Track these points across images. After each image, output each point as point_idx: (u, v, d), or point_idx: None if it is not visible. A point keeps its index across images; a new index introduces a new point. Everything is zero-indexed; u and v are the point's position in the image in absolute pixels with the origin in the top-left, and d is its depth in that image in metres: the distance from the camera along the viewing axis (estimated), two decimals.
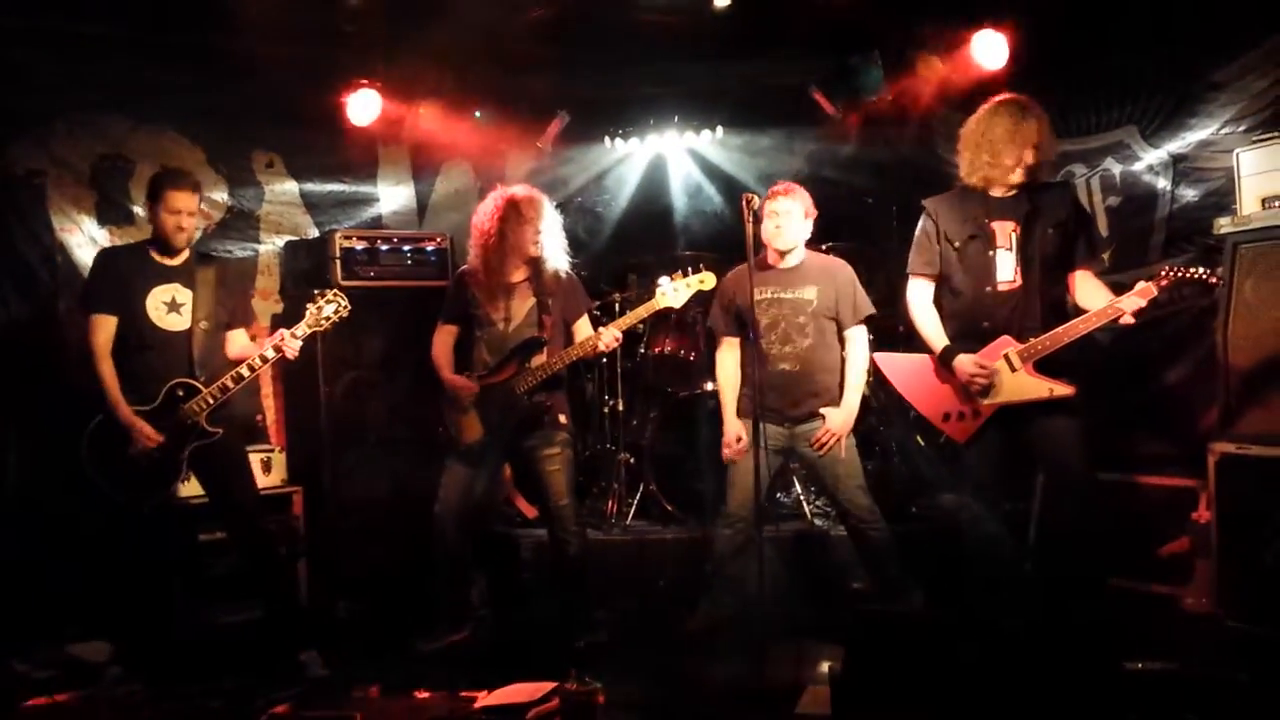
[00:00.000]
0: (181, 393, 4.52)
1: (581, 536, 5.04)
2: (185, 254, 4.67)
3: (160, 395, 4.50)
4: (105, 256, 4.73)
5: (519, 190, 5.00)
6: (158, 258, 4.62)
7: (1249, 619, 4.45)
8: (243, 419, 4.92)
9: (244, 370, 4.55)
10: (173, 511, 4.72)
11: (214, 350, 4.66)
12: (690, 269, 4.85)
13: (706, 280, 4.84)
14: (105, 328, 4.53)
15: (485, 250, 4.93)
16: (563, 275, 5.01)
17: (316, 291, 4.76)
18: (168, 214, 4.53)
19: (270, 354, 4.57)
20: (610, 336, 4.80)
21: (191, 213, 4.58)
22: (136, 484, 4.47)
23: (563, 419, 4.97)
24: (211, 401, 4.52)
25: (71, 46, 5.47)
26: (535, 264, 4.94)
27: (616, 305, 6.30)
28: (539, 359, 4.87)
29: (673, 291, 4.82)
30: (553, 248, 4.96)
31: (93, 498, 4.48)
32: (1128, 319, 4.13)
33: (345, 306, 4.70)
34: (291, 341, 4.59)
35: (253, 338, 4.94)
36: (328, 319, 4.66)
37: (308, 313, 4.65)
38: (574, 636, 4.91)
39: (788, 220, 4.82)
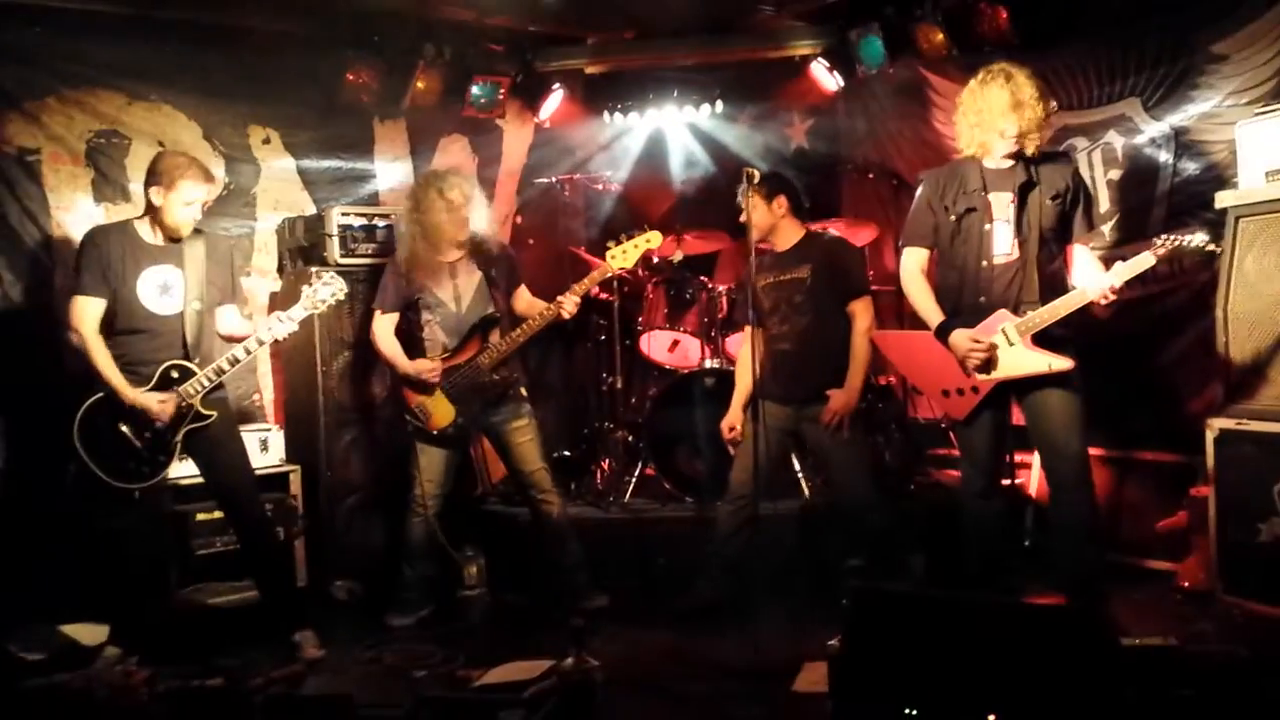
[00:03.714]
0: (176, 374, 4.46)
1: (561, 497, 5.19)
2: None
3: (155, 377, 4.44)
4: (92, 236, 4.57)
5: (441, 177, 5.07)
6: (147, 237, 4.53)
7: (1246, 594, 4.45)
8: (236, 400, 4.85)
9: (239, 353, 4.50)
10: (164, 491, 4.71)
11: (206, 331, 4.61)
12: (637, 230, 5.02)
13: (653, 239, 5.04)
14: (91, 310, 4.43)
15: (417, 237, 5.02)
16: (497, 249, 5.16)
17: (314, 271, 4.72)
18: (183, 205, 4.44)
19: (265, 337, 4.53)
20: (571, 304, 4.89)
21: (205, 203, 4.51)
22: (128, 466, 4.41)
23: (523, 391, 5.14)
24: (206, 384, 4.46)
25: (64, 22, 5.42)
26: (470, 243, 5.06)
27: (615, 282, 6.29)
28: (496, 334, 4.99)
29: (621, 254, 4.97)
30: (481, 223, 5.08)
31: (89, 480, 4.45)
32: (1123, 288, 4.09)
33: (342, 289, 4.67)
34: (287, 324, 4.54)
35: (248, 316, 4.90)
36: (323, 301, 4.62)
37: (303, 294, 4.62)
38: (573, 600, 5.01)
39: (749, 214, 4.81)
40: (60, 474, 4.50)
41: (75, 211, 5.59)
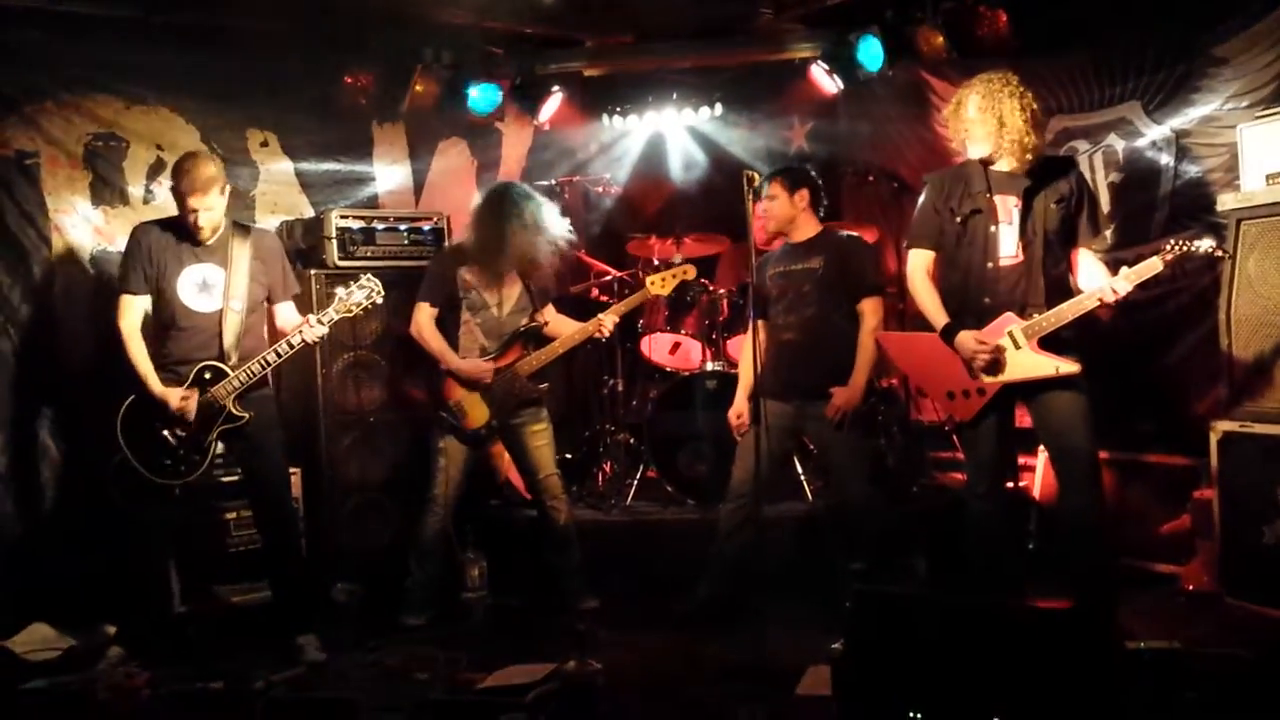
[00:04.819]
0: (209, 375, 4.48)
1: (569, 503, 5.27)
2: (219, 231, 4.58)
3: (189, 378, 4.47)
4: (138, 234, 4.59)
5: (523, 200, 5.04)
6: (191, 235, 4.53)
7: (1250, 597, 4.45)
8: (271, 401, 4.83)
9: (270, 356, 4.51)
10: (203, 491, 4.77)
11: (249, 330, 4.59)
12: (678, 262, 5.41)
13: (689, 271, 5.38)
14: (133, 308, 4.50)
15: (482, 243, 5.02)
16: (548, 271, 5.18)
17: (363, 278, 4.68)
18: (188, 211, 4.44)
19: (295, 341, 4.52)
20: (610, 323, 5.10)
21: (210, 208, 4.47)
22: (165, 464, 4.44)
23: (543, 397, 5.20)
24: (238, 385, 4.48)
25: (62, 25, 5.40)
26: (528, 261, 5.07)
27: (615, 285, 6.30)
28: (534, 345, 5.11)
29: (660, 282, 5.26)
30: (536, 240, 5.02)
31: (130, 474, 4.44)
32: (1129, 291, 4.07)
33: (379, 293, 4.65)
34: (317, 328, 4.54)
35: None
36: (358, 304, 4.62)
37: (336, 298, 4.63)
38: (571, 602, 5.06)
39: (771, 204, 4.93)
40: (64, 471, 4.51)
41: (73, 214, 5.58)
